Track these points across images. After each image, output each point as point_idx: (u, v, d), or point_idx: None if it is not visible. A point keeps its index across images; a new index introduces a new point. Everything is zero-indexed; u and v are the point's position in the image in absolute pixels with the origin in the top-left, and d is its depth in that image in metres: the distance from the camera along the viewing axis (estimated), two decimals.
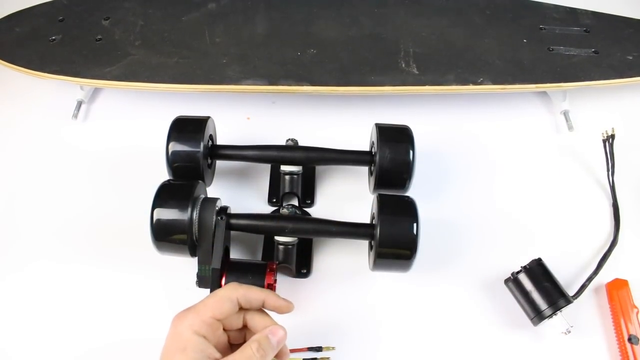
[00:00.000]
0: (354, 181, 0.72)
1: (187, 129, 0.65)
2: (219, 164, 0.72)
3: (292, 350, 0.57)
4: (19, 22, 0.81)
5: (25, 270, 0.65)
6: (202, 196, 0.61)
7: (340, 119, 0.78)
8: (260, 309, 0.49)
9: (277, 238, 0.63)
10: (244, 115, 0.78)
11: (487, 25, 0.80)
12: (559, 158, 0.75)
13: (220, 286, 0.57)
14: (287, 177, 0.69)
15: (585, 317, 0.62)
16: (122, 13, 0.81)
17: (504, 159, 0.75)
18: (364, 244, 0.65)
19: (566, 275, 0.64)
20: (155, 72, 0.74)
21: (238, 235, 0.64)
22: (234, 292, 0.47)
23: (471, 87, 0.73)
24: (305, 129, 0.74)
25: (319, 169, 0.73)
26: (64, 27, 0.80)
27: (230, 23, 0.80)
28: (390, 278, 0.64)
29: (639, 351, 0.59)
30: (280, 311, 0.50)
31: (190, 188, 0.59)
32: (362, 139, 0.70)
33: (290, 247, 0.64)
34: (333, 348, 0.59)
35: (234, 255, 0.64)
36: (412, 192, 0.64)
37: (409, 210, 0.59)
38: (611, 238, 0.67)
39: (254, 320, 0.48)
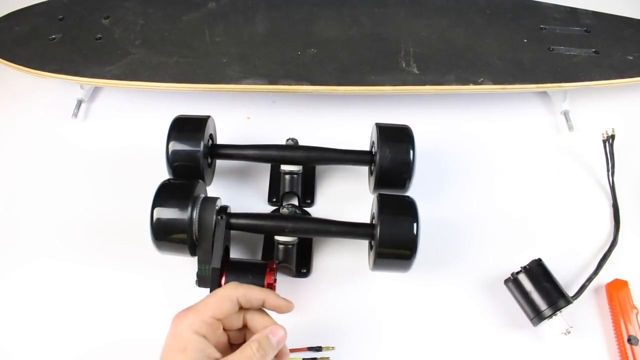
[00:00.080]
0: (354, 181, 0.72)
1: (187, 128, 0.65)
2: (219, 163, 0.72)
3: (292, 350, 0.57)
4: (19, 21, 0.81)
5: (25, 269, 0.65)
6: (202, 195, 0.61)
7: (340, 119, 0.78)
8: (261, 309, 0.49)
9: (277, 238, 0.63)
10: (244, 115, 0.78)
11: (488, 25, 0.80)
12: (559, 158, 0.75)
13: (220, 286, 0.57)
14: (287, 176, 0.69)
15: (585, 317, 0.62)
16: (122, 12, 0.81)
17: (504, 159, 0.75)
18: (364, 244, 0.65)
19: (566, 275, 0.64)
20: (156, 71, 0.74)
21: (238, 234, 0.64)
22: (234, 291, 0.47)
23: (471, 87, 0.73)
24: (305, 129, 0.73)
25: (319, 168, 0.73)
26: (64, 26, 0.80)
27: (230, 22, 0.80)
28: (390, 278, 0.64)
29: (638, 352, 0.59)
30: (280, 311, 0.50)
31: (190, 187, 0.59)
32: (362, 139, 0.70)
33: (290, 246, 0.64)
34: (333, 348, 0.59)
35: (234, 254, 0.64)
36: (412, 192, 0.64)
37: (409, 210, 0.59)
38: (611, 238, 0.67)
39: (254, 320, 0.48)
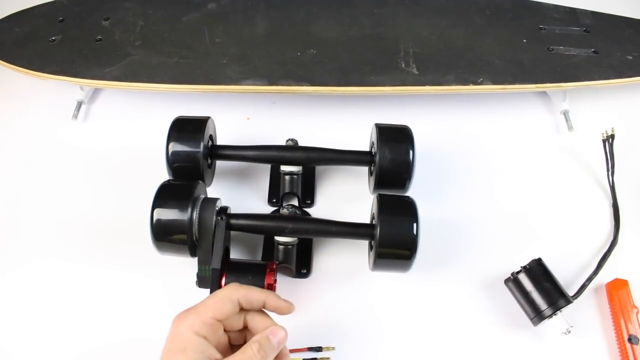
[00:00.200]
0: (354, 181, 0.72)
1: (187, 129, 0.65)
2: (219, 164, 0.72)
3: (292, 351, 0.57)
4: (19, 22, 0.81)
5: (25, 269, 0.65)
6: (202, 196, 0.61)
7: (340, 119, 0.78)
8: (261, 310, 0.49)
9: (277, 238, 0.63)
10: (244, 116, 0.78)
11: (487, 25, 0.80)
12: (559, 158, 0.75)
13: (220, 286, 0.57)
14: (287, 177, 0.69)
15: (585, 317, 0.62)
16: (122, 13, 0.81)
17: (504, 159, 0.75)
18: (364, 244, 0.65)
19: (566, 275, 0.64)
20: (155, 72, 0.74)
21: (238, 235, 0.64)
22: (234, 292, 0.47)
23: (471, 87, 0.73)
24: (305, 129, 0.73)
25: (319, 169, 0.73)
26: (64, 28, 0.80)
27: (230, 23, 0.80)
28: (390, 278, 0.64)
29: (639, 351, 0.59)
30: (280, 312, 0.50)
31: (190, 188, 0.59)
32: (362, 139, 0.70)
33: (290, 247, 0.64)
34: (333, 348, 0.59)
35: (234, 255, 0.64)
36: (412, 192, 0.64)
37: (409, 210, 0.59)
38: (611, 238, 0.67)
39: (255, 321, 0.48)
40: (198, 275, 0.58)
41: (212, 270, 0.57)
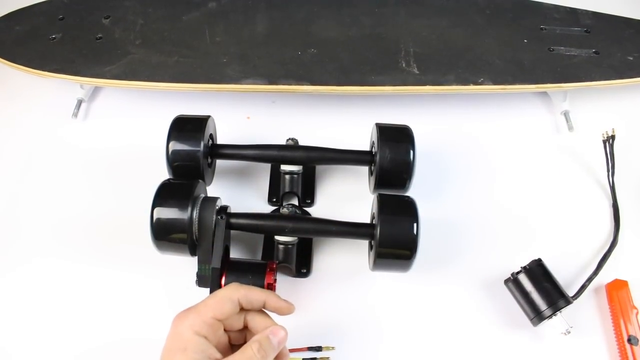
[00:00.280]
0: (354, 181, 0.72)
1: (187, 128, 0.65)
2: (219, 163, 0.72)
3: (292, 350, 0.57)
4: (19, 20, 0.81)
5: (25, 268, 0.65)
6: (202, 195, 0.61)
7: (340, 119, 0.78)
8: (261, 310, 0.49)
9: (277, 238, 0.63)
10: (244, 115, 0.78)
11: (488, 25, 0.80)
12: (559, 158, 0.75)
13: (220, 285, 0.57)
14: (287, 176, 0.69)
15: (585, 317, 0.62)
16: (122, 12, 0.81)
17: (504, 159, 0.75)
18: (364, 244, 0.65)
19: (566, 275, 0.64)
20: (156, 71, 0.74)
21: (238, 234, 0.64)
22: (235, 292, 0.47)
23: (471, 87, 0.73)
24: (305, 129, 0.73)
25: (319, 168, 0.73)
26: (64, 26, 0.80)
27: (230, 22, 0.80)
28: (390, 278, 0.64)
29: (638, 352, 0.59)
30: (281, 312, 0.50)
31: (190, 187, 0.59)
32: (362, 139, 0.70)
33: (290, 246, 0.64)
34: (333, 348, 0.59)
35: (234, 254, 0.64)
36: (412, 192, 0.64)
37: (409, 210, 0.59)
38: (611, 238, 0.67)
39: (255, 320, 0.48)
40: (198, 275, 0.58)
41: (212, 269, 0.57)
